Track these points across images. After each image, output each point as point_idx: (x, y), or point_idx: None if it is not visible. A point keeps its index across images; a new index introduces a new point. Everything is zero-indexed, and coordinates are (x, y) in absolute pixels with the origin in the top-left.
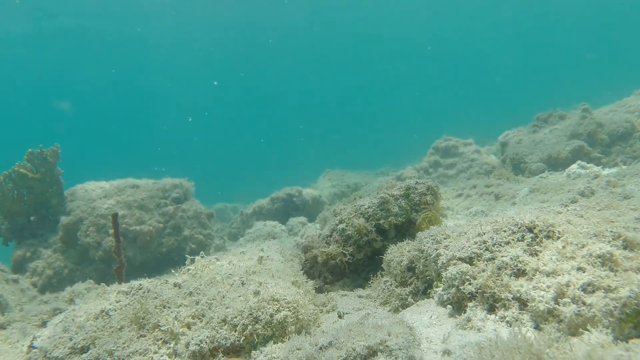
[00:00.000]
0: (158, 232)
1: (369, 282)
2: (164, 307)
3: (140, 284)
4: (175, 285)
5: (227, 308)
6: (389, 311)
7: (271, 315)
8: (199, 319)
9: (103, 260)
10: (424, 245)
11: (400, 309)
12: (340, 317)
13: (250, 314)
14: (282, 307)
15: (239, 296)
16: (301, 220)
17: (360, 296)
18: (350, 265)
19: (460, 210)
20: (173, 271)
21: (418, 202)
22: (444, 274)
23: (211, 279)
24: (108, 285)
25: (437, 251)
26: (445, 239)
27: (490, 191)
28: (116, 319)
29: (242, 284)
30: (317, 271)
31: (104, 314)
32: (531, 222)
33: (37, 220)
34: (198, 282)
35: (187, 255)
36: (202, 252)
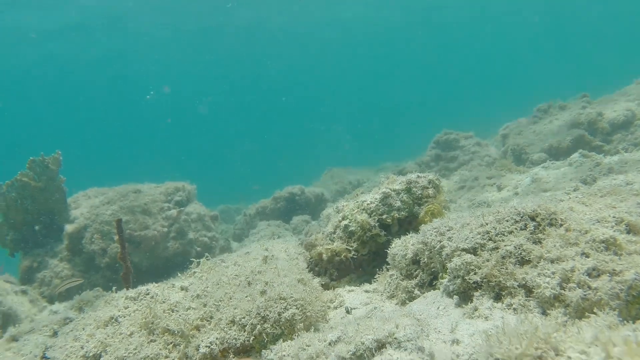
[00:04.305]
0: (163, 236)
1: (375, 277)
2: (172, 311)
3: (148, 289)
4: (182, 288)
5: (235, 309)
6: (396, 304)
7: (279, 314)
8: (208, 321)
9: (109, 266)
10: (428, 238)
11: (407, 301)
12: (348, 312)
13: (258, 314)
14: (290, 305)
15: (246, 296)
16: (305, 219)
17: (366, 291)
18: (355, 261)
19: (463, 202)
20: (179, 275)
21: (420, 195)
22: (448, 265)
23: (217, 280)
24: (115, 292)
25: (441, 243)
26: (448, 230)
27: (492, 182)
28: (125, 325)
29: (249, 284)
30: (322, 268)
31: (113, 320)
32: (533, 211)
33: (41, 229)
34: (205, 285)
35: (192, 259)
36: (207, 255)
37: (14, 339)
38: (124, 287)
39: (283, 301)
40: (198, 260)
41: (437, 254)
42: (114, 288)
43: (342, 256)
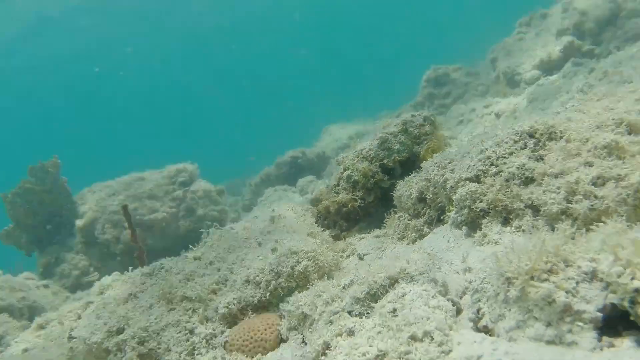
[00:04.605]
0: (172, 216)
1: (384, 222)
2: (188, 280)
3: (162, 263)
4: (195, 258)
5: (248, 269)
6: (407, 244)
7: (292, 268)
8: (223, 284)
9: (125, 253)
10: (430, 174)
11: (417, 240)
12: (360, 258)
13: (272, 270)
14: (301, 257)
15: (258, 256)
16: (310, 179)
17: (377, 236)
18: (363, 210)
19: (464, 137)
20: (192, 247)
21: (417, 134)
22: (454, 197)
23: (229, 246)
24: (131, 271)
25: (444, 176)
26: (449, 163)
27: (490, 111)
28: (144, 299)
29: (259, 244)
30: (331, 221)
31: (132, 296)
32: (531, 127)
33: (53, 228)
34: (217, 252)
35: (202, 230)
36: (215, 224)
37: (42, 326)
38: (140, 266)
39: (295, 255)
40: (208, 230)
41: (442, 188)
42: (130, 268)
43: (350, 206)
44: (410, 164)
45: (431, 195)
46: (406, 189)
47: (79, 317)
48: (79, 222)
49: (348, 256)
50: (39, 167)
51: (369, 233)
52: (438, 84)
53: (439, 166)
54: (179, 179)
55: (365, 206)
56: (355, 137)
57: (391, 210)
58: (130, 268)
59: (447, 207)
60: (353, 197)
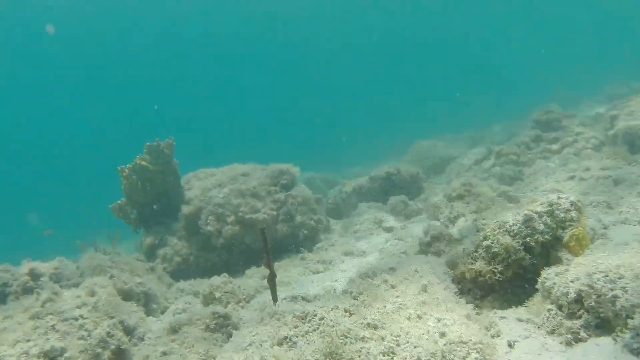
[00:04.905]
0: (273, 219)
1: (524, 304)
2: (346, 337)
3: (315, 311)
4: (346, 311)
5: (415, 347)
6: (560, 343)
7: (463, 359)
8: (390, 356)
9: (225, 247)
10: (596, 283)
11: (572, 342)
12: (510, 346)
13: (443, 357)
14: (471, 349)
15: (423, 334)
16: (402, 199)
17: (520, 320)
18: (499, 282)
19: (580, 198)
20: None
21: (563, 219)
22: (630, 322)
23: (382, 308)
24: (274, 304)
25: (613, 292)
26: (619, 279)
27: (607, 175)
28: (307, 351)
29: (419, 317)
30: (465, 287)
31: (287, 340)
32: None
33: (159, 209)
34: (371, 312)
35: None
36: (368, 278)
37: (175, 330)
38: (271, 291)
39: (464, 345)
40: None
41: (610, 303)
42: (274, 302)
43: (487, 277)
44: (550, 245)
45: (593, 303)
46: (560, 283)
47: (207, 328)
48: (184, 209)
49: (492, 337)
50: (155, 146)
51: (507, 310)
52: (547, 127)
53: (608, 278)
54: (281, 180)
55: (502, 280)
56: (446, 158)
57: (534, 295)
58: (272, 301)
59: (619, 328)
60: (492, 269)
